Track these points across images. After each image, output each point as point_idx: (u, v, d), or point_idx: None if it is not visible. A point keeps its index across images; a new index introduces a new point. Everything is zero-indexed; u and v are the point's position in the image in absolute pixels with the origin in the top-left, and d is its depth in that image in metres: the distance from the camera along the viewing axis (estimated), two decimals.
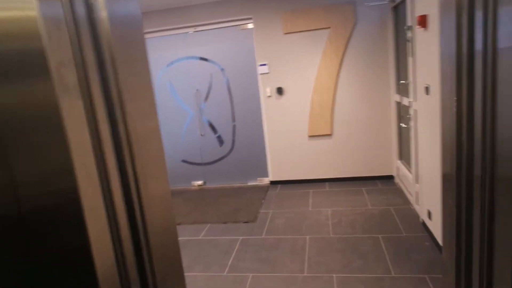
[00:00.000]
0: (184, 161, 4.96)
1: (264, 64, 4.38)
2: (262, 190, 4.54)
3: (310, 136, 4.48)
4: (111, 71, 0.77)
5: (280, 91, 4.41)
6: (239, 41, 4.47)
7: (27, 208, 0.82)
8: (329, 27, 4.15)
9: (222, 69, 4.58)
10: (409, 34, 3.18)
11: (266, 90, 4.46)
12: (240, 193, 4.53)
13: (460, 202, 0.91)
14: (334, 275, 2.57)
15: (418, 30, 2.90)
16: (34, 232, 0.83)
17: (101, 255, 0.88)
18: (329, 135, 4.42)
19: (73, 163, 0.83)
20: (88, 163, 0.88)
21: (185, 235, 3.50)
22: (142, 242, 0.89)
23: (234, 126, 4.72)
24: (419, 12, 2.85)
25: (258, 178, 4.79)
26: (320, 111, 4.36)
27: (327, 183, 4.51)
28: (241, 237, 3.31)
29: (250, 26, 4.39)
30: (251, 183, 4.82)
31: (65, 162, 0.81)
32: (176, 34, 4.59)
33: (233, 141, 4.76)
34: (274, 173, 4.68)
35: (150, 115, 0.90)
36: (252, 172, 4.80)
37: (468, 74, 0.80)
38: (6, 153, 0.80)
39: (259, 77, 4.46)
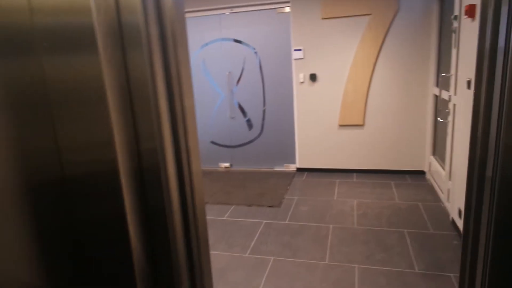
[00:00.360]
0: (213, 142, 5.03)
1: (299, 49, 4.32)
2: (288, 176, 4.54)
3: (341, 125, 4.40)
4: (172, 47, 0.79)
5: (313, 77, 4.35)
6: (275, 25, 4.41)
7: (70, 174, 0.86)
8: (369, 14, 4.01)
9: (256, 52, 4.56)
10: (455, 24, 3.02)
11: (299, 76, 4.40)
12: (266, 177, 4.56)
13: (470, 203, 0.88)
14: (356, 265, 2.56)
15: (465, 20, 2.75)
16: (75, 196, 0.88)
17: (134, 224, 0.92)
18: (361, 125, 4.33)
19: (114, 135, 0.87)
20: (130, 135, 0.91)
21: (210, 215, 3.58)
22: (190, 214, 0.93)
23: (264, 111, 4.72)
24: (468, 1, 2.70)
25: (284, 164, 4.80)
26: (353, 100, 4.27)
27: (354, 174, 4.45)
28: (264, 221, 3.35)
29: (287, 9, 4.32)
30: (277, 168, 4.84)
31: (106, 134, 0.84)
32: (212, 15, 4.59)
33: (262, 125, 4.77)
34: (301, 160, 4.66)
35: (189, 94, 0.92)
36: (279, 158, 4.81)
37: (488, 69, 0.77)
38: (52, 122, 0.85)
39: (293, 62, 4.40)
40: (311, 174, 4.56)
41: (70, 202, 0.88)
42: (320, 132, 4.50)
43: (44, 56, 0.83)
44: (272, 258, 2.73)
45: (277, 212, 3.53)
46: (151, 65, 0.78)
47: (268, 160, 4.86)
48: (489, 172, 0.79)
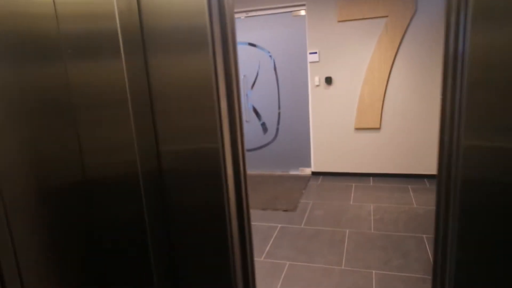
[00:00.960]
0: None
1: (315, 53, 4.30)
2: (303, 180, 4.52)
3: (357, 129, 4.36)
4: (232, 47, 0.80)
5: (329, 80, 4.32)
6: (290, 28, 4.41)
7: (91, 176, 0.88)
8: (386, 16, 3.97)
9: (271, 56, 4.56)
10: None
11: (314, 79, 4.39)
12: (280, 181, 4.54)
13: (439, 205, 0.88)
14: (373, 271, 2.52)
15: None
16: (96, 197, 0.89)
17: (153, 229, 0.93)
18: (377, 128, 4.27)
19: (134, 138, 0.88)
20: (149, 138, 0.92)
21: None
22: (245, 216, 0.94)
23: (279, 114, 4.71)
24: None
25: (300, 168, 4.77)
26: (369, 103, 4.22)
27: (371, 178, 4.39)
28: (279, 225, 3.34)
29: (303, 12, 4.31)
30: (292, 172, 4.81)
31: (129, 137, 0.85)
32: None
33: (277, 129, 4.76)
34: (317, 164, 4.63)
35: (240, 93, 0.95)
36: (294, 161, 4.78)
37: (452, 75, 0.77)
38: (76, 125, 0.87)
39: (309, 66, 4.39)
40: (326, 178, 4.52)
41: (91, 203, 0.89)
42: (335, 136, 4.47)
43: (69, 62, 0.85)
44: (288, 262, 2.71)
45: (292, 216, 3.51)
46: (215, 65, 0.78)
47: (283, 164, 4.85)
48: (453, 173, 0.80)
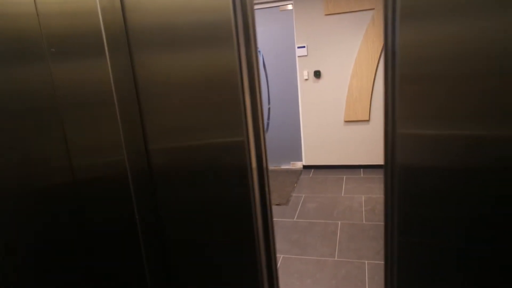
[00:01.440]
0: None
1: (303, 47, 4.31)
2: (295, 173, 4.54)
3: (346, 121, 4.39)
4: (253, 39, 0.80)
5: (317, 74, 4.33)
6: (278, 23, 4.40)
7: (80, 177, 0.87)
8: (373, 8, 3.98)
9: (259, 51, 4.55)
10: None
11: (303, 73, 4.39)
12: (272, 176, 4.56)
13: (386, 192, 0.92)
14: (365, 261, 2.55)
15: None
16: (86, 199, 0.88)
17: (147, 230, 0.93)
18: (367, 120, 4.31)
19: (122, 136, 0.87)
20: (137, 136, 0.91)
21: None
22: (268, 211, 0.94)
23: (269, 109, 4.72)
24: None
25: (291, 162, 4.79)
26: (358, 96, 4.25)
27: (361, 170, 4.43)
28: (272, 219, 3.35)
29: (290, 7, 4.31)
30: (284, 166, 4.83)
31: (116, 137, 0.85)
32: None
33: (268, 124, 4.77)
34: (308, 157, 4.66)
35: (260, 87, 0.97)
36: (285, 156, 4.80)
37: (391, 67, 0.82)
38: (62, 126, 0.86)
39: (297, 60, 4.39)
40: (317, 171, 4.55)
41: (82, 204, 0.89)
42: (325, 129, 4.49)
43: (52, 62, 0.84)
44: (282, 256, 2.73)
45: (285, 210, 3.53)
46: (239, 58, 0.78)
47: (274, 158, 4.86)
48: (391, 161, 0.85)
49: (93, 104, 0.84)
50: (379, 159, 4.39)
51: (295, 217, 3.35)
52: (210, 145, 0.85)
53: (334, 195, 3.77)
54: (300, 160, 4.73)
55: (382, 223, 3.06)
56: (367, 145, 4.40)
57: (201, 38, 0.77)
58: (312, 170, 4.62)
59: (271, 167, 4.87)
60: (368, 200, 3.56)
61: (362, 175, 4.28)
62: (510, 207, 0.75)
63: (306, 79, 4.40)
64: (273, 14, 4.40)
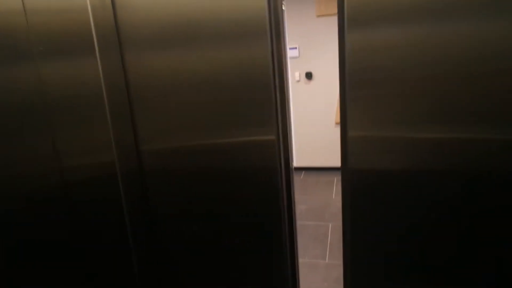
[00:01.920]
0: None
1: (294, 48, 4.31)
2: None
3: (338, 123, 4.40)
4: (282, 35, 0.80)
5: (309, 76, 4.34)
6: None
7: (69, 178, 0.84)
8: None
9: None
10: None
11: (295, 74, 4.39)
12: None
13: (343, 194, 0.95)
14: None
15: None
16: (76, 201, 0.86)
17: (135, 233, 0.90)
18: None
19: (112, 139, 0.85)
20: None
21: None
22: (293, 216, 0.91)
23: None
24: None
25: None
26: None
27: None
28: None
29: (282, 8, 4.30)
30: None
31: (106, 138, 0.82)
32: None
33: None
34: (299, 159, 4.66)
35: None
36: None
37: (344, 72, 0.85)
38: (51, 126, 0.83)
39: (289, 61, 4.39)
40: (308, 173, 4.55)
41: (71, 206, 0.86)
42: (317, 131, 4.50)
43: (41, 61, 0.81)
44: None
45: None
46: (272, 54, 0.77)
47: None
48: (345, 163, 0.88)
49: (83, 104, 0.81)
50: None
51: None
52: (227, 145, 0.84)
53: (325, 197, 3.77)
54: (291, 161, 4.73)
55: None
56: None
57: (223, 35, 0.76)
58: (303, 171, 4.62)
59: None
60: None
61: None
62: (458, 207, 0.79)
63: (298, 81, 4.40)
64: None
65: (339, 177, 4.29)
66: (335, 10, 4.05)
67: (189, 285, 0.94)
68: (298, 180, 4.32)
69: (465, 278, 0.82)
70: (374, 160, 0.82)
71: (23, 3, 0.79)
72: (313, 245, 2.84)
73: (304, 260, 2.64)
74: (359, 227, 0.86)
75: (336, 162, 4.52)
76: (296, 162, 4.67)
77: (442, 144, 0.77)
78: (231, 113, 0.81)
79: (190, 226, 0.91)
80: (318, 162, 4.59)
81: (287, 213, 0.95)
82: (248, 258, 0.90)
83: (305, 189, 4.02)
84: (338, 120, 4.34)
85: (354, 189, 0.85)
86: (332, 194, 3.81)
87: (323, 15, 4.14)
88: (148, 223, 0.91)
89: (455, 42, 0.72)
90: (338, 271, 2.47)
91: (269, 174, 0.87)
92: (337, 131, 4.43)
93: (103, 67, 0.79)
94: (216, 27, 0.76)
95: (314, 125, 4.50)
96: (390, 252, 0.85)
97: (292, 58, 4.36)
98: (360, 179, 0.83)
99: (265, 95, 0.80)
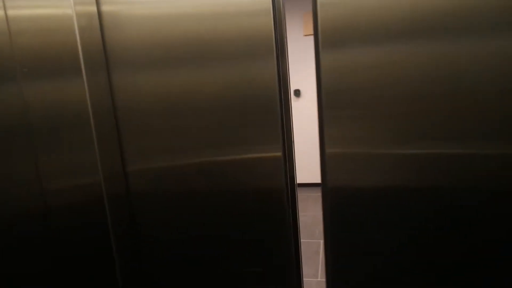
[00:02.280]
0: None
1: None
2: None
3: None
4: (286, 49, 0.80)
5: (297, 93, 4.38)
6: None
7: (53, 203, 0.82)
8: None
9: None
10: None
11: None
12: None
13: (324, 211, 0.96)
14: None
15: None
16: (59, 226, 0.83)
17: (123, 258, 0.87)
18: None
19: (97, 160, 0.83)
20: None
21: None
22: (298, 230, 0.91)
23: None
24: None
25: None
26: None
27: None
28: None
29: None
30: None
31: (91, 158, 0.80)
32: None
33: None
34: None
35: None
36: None
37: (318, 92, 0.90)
38: (35, 150, 0.80)
39: None
40: (298, 190, 4.54)
41: (54, 232, 0.83)
42: (306, 147, 4.51)
43: (25, 82, 0.79)
44: None
45: None
46: (278, 72, 0.77)
47: None
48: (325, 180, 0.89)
49: (67, 125, 0.80)
50: None
51: None
52: (227, 163, 0.83)
53: (315, 213, 3.75)
54: None
55: None
56: None
57: (228, 53, 0.76)
58: None
59: None
60: None
61: None
62: (435, 224, 0.80)
63: None
64: None
65: None
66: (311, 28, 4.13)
67: None
68: None
69: None
70: (350, 177, 0.83)
71: (7, 24, 0.78)
72: (304, 263, 2.81)
73: None
74: (339, 244, 0.86)
75: None
76: None
77: (419, 161, 0.79)
78: (233, 131, 0.81)
79: (184, 251, 0.88)
80: (307, 179, 4.59)
81: (293, 232, 0.94)
82: (249, 284, 0.88)
83: None
84: None
85: (332, 206, 0.86)
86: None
87: (310, 34, 4.22)
88: (137, 249, 0.88)
89: (425, 61, 0.74)
90: None
91: (274, 192, 0.86)
92: None
93: (90, 88, 0.78)
94: (221, 46, 0.77)
95: (302, 142, 4.52)
96: (369, 268, 0.85)
97: None
98: (337, 196, 0.85)
99: (271, 112, 0.81)
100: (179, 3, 0.76)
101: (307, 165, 4.54)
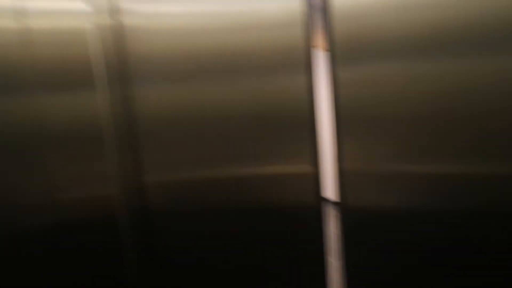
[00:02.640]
0: None
1: None
2: None
3: None
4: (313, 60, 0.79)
5: None
6: None
7: (65, 216, 0.79)
8: None
9: None
10: None
11: None
12: None
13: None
14: None
15: None
16: (70, 241, 0.79)
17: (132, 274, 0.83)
18: None
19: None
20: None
21: None
22: None
23: None
24: None
25: None
26: None
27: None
28: None
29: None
30: None
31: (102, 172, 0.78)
32: None
33: None
34: None
35: None
36: None
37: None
38: (45, 163, 0.78)
39: None
40: None
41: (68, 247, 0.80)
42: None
43: (42, 94, 0.77)
44: None
45: None
46: (308, 80, 0.78)
47: None
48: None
49: (86, 138, 0.78)
50: None
51: None
52: (256, 178, 0.80)
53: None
54: None
55: None
56: None
57: (262, 65, 0.76)
58: None
59: None
60: None
61: None
62: (453, 246, 0.76)
63: None
64: None
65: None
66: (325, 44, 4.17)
67: None
68: None
69: None
70: (366, 196, 0.80)
71: (23, 36, 0.77)
72: None
73: None
74: (354, 264, 0.83)
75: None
76: None
77: (436, 181, 0.76)
78: (262, 145, 0.78)
79: (206, 275, 0.84)
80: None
81: (323, 252, 0.91)
82: None
83: None
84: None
85: (347, 226, 0.83)
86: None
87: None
88: (155, 271, 0.85)
89: (441, 78, 0.72)
90: None
91: (304, 210, 0.83)
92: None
93: (112, 100, 0.76)
94: (249, 58, 0.75)
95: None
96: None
97: None
98: (352, 215, 0.82)
99: (302, 127, 0.79)
100: (203, 17, 0.75)
101: None
